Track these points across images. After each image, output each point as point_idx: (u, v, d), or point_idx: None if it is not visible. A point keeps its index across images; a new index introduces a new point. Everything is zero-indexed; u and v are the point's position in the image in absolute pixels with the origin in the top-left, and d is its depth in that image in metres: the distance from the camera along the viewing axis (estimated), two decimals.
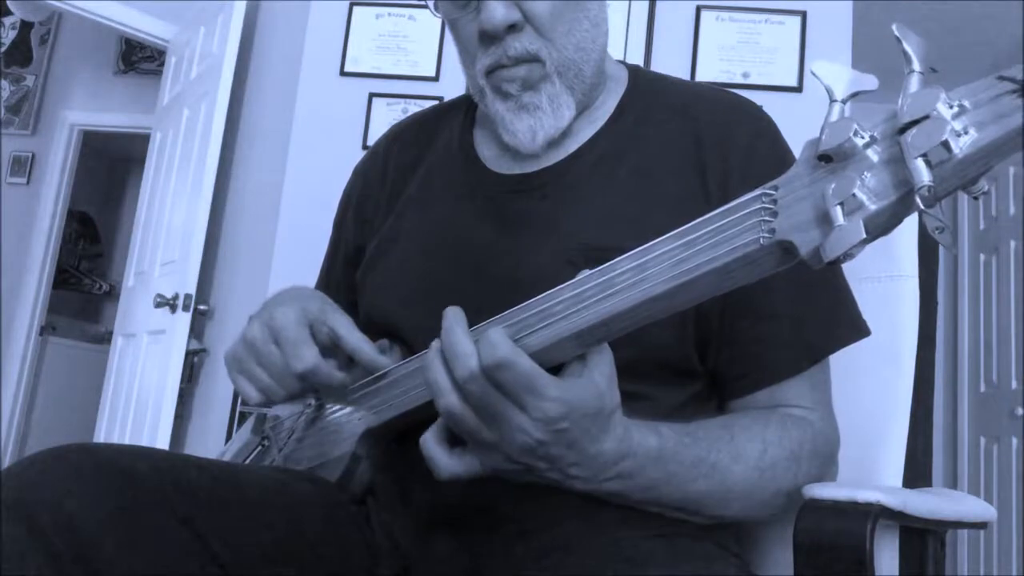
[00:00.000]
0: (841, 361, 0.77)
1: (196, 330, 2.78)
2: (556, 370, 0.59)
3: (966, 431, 3.67)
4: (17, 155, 4.41)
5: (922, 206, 0.42)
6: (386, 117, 2.59)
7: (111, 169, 5.69)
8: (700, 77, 2.49)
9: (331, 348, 0.74)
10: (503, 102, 0.78)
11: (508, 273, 0.74)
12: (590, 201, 0.76)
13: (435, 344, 0.60)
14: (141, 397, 2.78)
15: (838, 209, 0.45)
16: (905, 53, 0.44)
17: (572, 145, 0.80)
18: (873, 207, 0.44)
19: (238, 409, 2.63)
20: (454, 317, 0.59)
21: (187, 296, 2.68)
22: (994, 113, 0.41)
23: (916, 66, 0.44)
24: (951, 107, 0.42)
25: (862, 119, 0.46)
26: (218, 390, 2.77)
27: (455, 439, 0.63)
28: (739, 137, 0.77)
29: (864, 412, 0.83)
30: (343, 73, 2.67)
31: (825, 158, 0.47)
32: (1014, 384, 3.41)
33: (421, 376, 0.67)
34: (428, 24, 2.64)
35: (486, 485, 0.63)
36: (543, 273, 0.64)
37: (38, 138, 4.42)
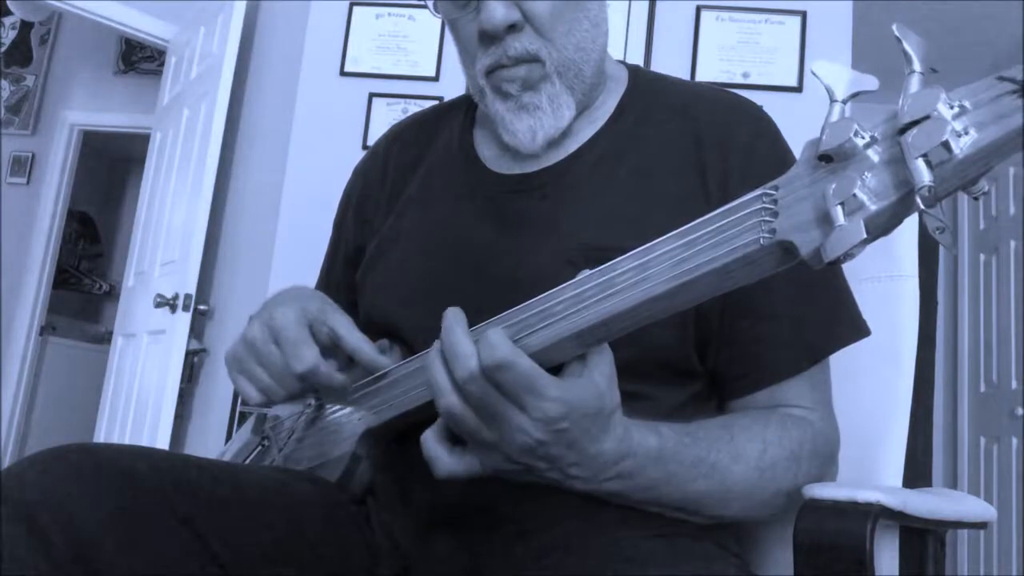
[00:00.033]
0: (841, 361, 0.77)
1: (196, 330, 2.78)
2: (556, 370, 0.59)
3: (966, 431, 3.67)
4: (17, 155, 4.41)
5: (922, 206, 0.42)
6: (386, 117, 2.59)
7: (111, 169, 5.69)
8: (700, 77, 2.49)
9: (331, 348, 0.74)
10: (503, 102, 0.78)
11: (508, 273, 0.74)
12: (590, 201, 0.76)
13: (436, 344, 0.60)
14: (141, 397, 2.78)
15: (839, 209, 0.45)
16: (905, 53, 0.44)
17: (572, 145, 0.80)
18: (874, 207, 0.44)
19: (238, 409, 2.63)
20: (454, 317, 0.59)
21: (187, 296, 2.68)
22: (994, 113, 0.41)
23: (916, 66, 0.44)
24: (951, 107, 0.42)
25: (862, 119, 0.46)
26: (218, 390, 2.77)
27: (455, 439, 0.63)
28: (739, 137, 0.77)
29: (864, 412, 0.83)
30: (343, 73, 2.68)
31: (825, 158, 0.47)
32: (1014, 384, 3.41)
33: (421, 376, 0.67)
34: (428, 24, 2.64)
35: (486, 485, 0.63)
36: (543, 273, 0.64)
37: (38, 138, 4.42)
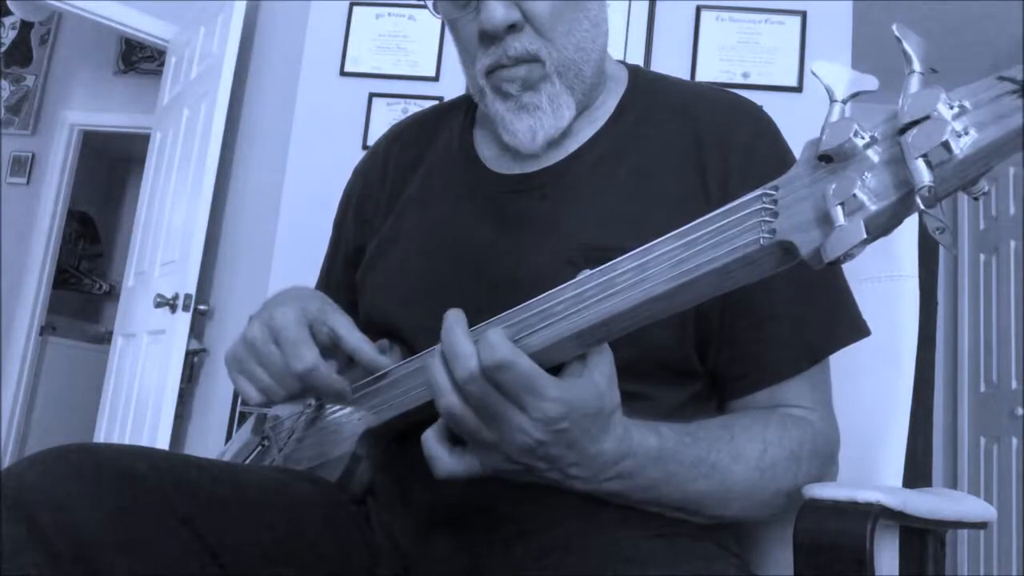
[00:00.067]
0: (841, 361, 0.77)
1: (196, 330, 2.78)
2: (556, 370, 0.59)
3: (966, 431, 3.67)
4: (17, 155, 4.41)
5: (922, 206, 0.42)
6: (386, 117, 2.59)
7: (111, 169, 5.69)
8: (700, 77, 2.49)
9: (331, 348, 0.74)
10: (503, 102, 0.78)
11: (508, 273, 0.74)
12: (590, 201, 0.76)
13: (438, 345, 0.60)
14: (141, 397, 2.78)
15: (839, 209, 0.45)
16: (905, 53, 0.44)
17: (572, 145, 0.80)
18: (874, 207, 0.44)
19: (238, 409, 2.63)
20: (454, 318, 0.59)
21: (187, 296, 2.68)
22: (994, 113, 0.41)
23: (916, 66, 0.44)
24: (951, 107, 0.42)
25: (862, 119, 0.46)
26: (218, 390, 2.77)
27: (456, 439, 0.63)
28: (739, 137, 0.77)
29: (864, 412, 0.83)
30: (343, 73, 2.68)
31: (825, 158, 0.47)
32: (1014, 384, 3.41)
33: (421, 376, 0.68)
34: (428, 24, 2.64)
35: (486, 485, 0.63)
36: (543, 273, 0.64)
37: (38, 138, 4.42)
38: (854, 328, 0.76)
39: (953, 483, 3.67)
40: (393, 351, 0.76)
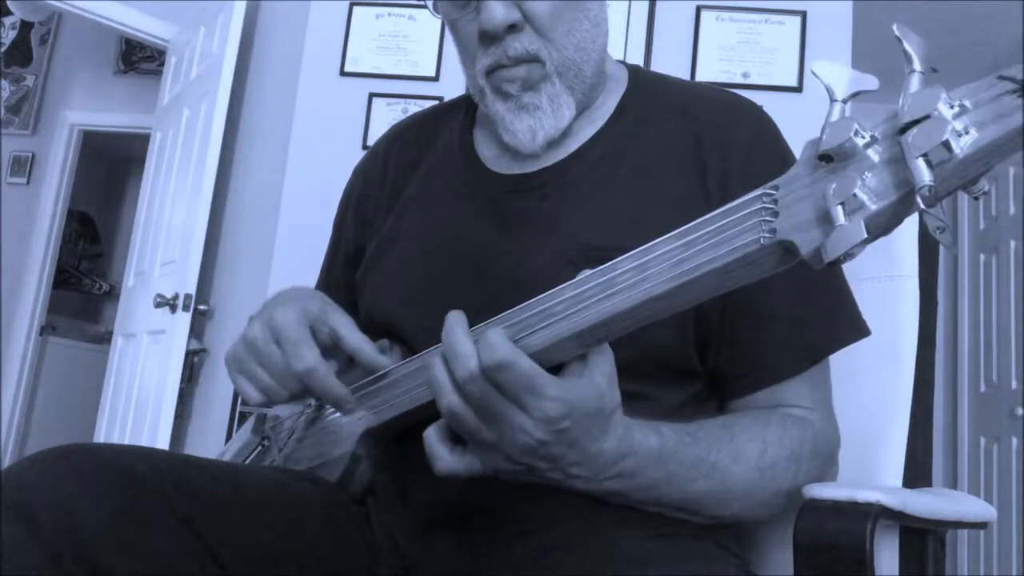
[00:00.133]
0: (841, 361, 0.77)
1: (196, 330, 2.78)
2: (557, 369, 0.59)
3: (966, 431, 3.67)
4: (17, 155, 4.41)
5: (923, 206, 0.42)
6: (386, 117, 2.59)
7: (111, 169, 5.69)
8: (700, 77, 2.49)
9: (332, 348, 0.74)
10: (503, 102, 0.78)
11: (508, 273, 0.74)
12: (590, 201, 0.76)
13: (439, 345, 0.60)
14: (141, 397, 2.78)
15: (839, 209, 0.45)
16: (905, 53, 0.44)
17: (572, 145, 0.80)
18: (874, 207, 0.44)
19: (238, 409, 2.63)
20: (455, 318, 0.59)
21: (187, 296, 2.68)
22: (995, 113, 0.41)
23: (917, 66, 0.44)
24: (952, 107, 0.42)
25: (863, 119, 0.46)
26: (218, 390, 2.77)
27: (457, 438, 0.63)
28: (739, 137, 0.77)
29: (864, 412, 0.83)
30: (343, 73, 2.67)
31: (826, 158, 0.47)
32: (1014, 384, 3.41)
33: (421, 376, 0.68)
34: (428, 24, 2.64)
35: (486, 485, 0.63)
36: (543, 273, 0.64)
37: (38, 138, 4.42)
38: (854, 328, 0.76)
39: (953, 483, 3.67)
40: (393, 351, 0.76)
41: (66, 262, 4.96)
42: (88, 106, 4.37)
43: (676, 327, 0.71)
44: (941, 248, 0.84)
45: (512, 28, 0.75)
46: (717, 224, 0.52)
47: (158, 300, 2.72)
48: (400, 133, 0.96)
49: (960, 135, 0.41)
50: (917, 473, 0.84)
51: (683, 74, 2.50)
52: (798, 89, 2.45)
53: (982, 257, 3.76)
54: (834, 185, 0.45)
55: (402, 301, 0.80)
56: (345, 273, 0.92)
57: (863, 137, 0.46)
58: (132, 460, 0.62)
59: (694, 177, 0.76)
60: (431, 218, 0.83)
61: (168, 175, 3.05)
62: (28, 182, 4.37)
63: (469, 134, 0.88)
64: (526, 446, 0.58)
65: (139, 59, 4.38)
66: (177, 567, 0.60)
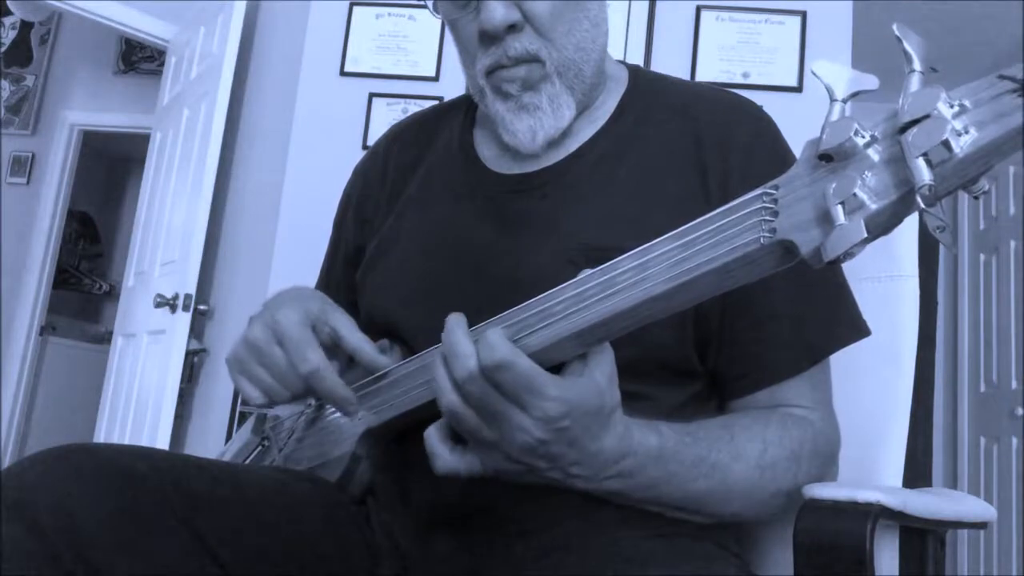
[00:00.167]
0: (841, 361, 0.77)
1: (196, 330, 2.78)
2: (557, 369, 0.59)
3: (966, 431, 3.67)
4: (17, 155, 4.41)
5: (923, 205, 0.42)
6: (386, 117, 2.59)
7: (111, 169, 5.69)
8: (700, 77, 2.49)
9: (332, 348, 0.74)
10: (503, 102, 0.78)
11: (508, 273, 0.74)
12: (590, 201, 0.76)
13: (440, 345, 0.60)
14: (141, 397, 2.78)
15: (839, 208, 0.45)
16: (905, 53, 0.44)
17: (572, 145, 0.80)
18: (874, 206, 0.44)
19: (238, 409, 2.63)
20: (456, 320, 0.59)
21: (187, 296, 2.68)
22: (995, 112, 0.41)
23: (916, 66, 0.44)
24: (952, 106, 0.42)
25: (863, 119, 0.46)
26: (218, 390, 2.77)
27: (458, 438, 0.63)
28: (739, 137, 0.77)
29: (864, 412, 0.83)
30: (343, 73, 2.67)
31: (826, 157, 0.47)
32: (1014, 384, 3.41)
33: (421, 376, 0.68)
34: (428, 24, 2.64)
35: (486, 485, 0.63)
36: (543, 273, 0.64)
37: (38, 138, 4.42)
38: (854, 328, 0.76)
39: (953, 483, 3.67)
40: (393, 351, 0.76)
41: (66, 262, 4.96)
42: (88, 106, 4.37)
43: (676, 327, 0.71)
44: (941, 248, 0.84)
45: (512, 28, 0.75)
46: (717, 224, 0.52)
47: (158, 300, 2.72)
48: (400, 133, 0.95)
49: (960, 134, 0.41)
50: (917, 473, 0.84)
51: (683, 74, 2.50)
52: (798, 89, 2.45)
53: (982, 257, 3.76)
54: (834, 184, 0.45)
55: (402, 301, 0.80)
56: (345, 273, 0.92)
57: (863, 137, 0.46)
58: (132, 460, 0.62)
59: (694, 177, 0.76)
60: (431, 218, 0.83)
61: (168, 175, 3.05)
62: (28, 182, 4.37)
63: (469, 134, 0.88)
64: (526, 445, 0.58)
65: (139, 59, 4.38)
66: (177, 567, 0.60)
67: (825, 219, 0.46)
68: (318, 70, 2.69)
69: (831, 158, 0.47)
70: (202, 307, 2.81)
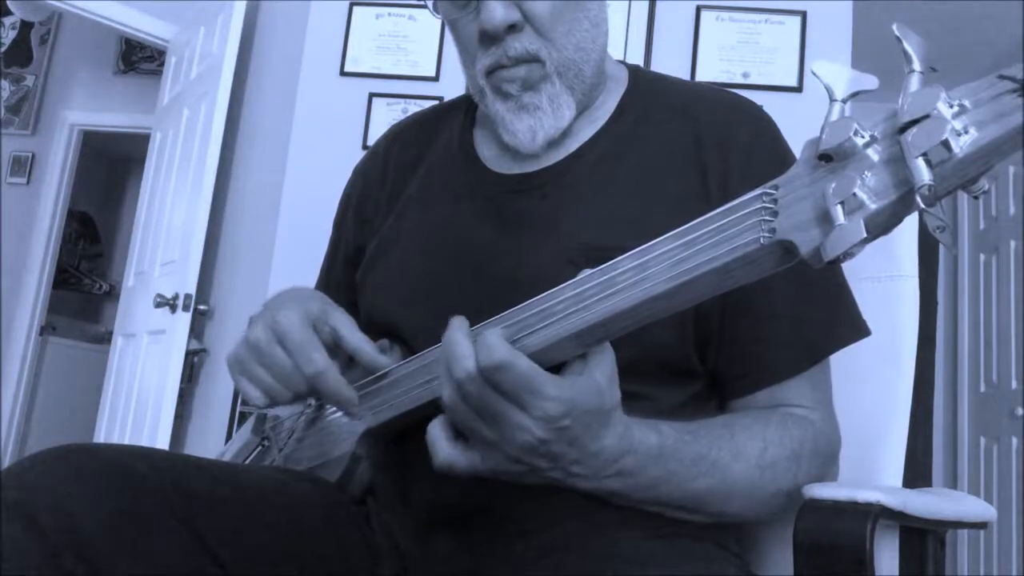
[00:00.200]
0: (841, 361, 0.77)
1: (196, 330, 2.78)
2: (558, 368, 0.59)
3: (966, 431, 3.67)
4: (17, 155, 4.41)
5: (923, 205, 0.42)
6: (386, 117, 2.59)
7: (111, 169, 5.69)
8: (700, 77, 2.49)
9: (332, 348, 0.74)
10: (503, 102, 0.78)
11: (508, 273, 0.74)
12: (590, 201, 0.76)
13: (439, 345, 0.60)
14: (141, 397, 2.78)
15: (838, 208, 0.45)
16: (905, 53, 0.44)
17: (572, 145, 0.80)
18: (873, 206, 0.44)
19: (238, 409, 2.63)
20: (457, 321, 0.60)
21: (187, 296, 2.68)
22: (994, 112, 0.41)
23: (916, 66, 0.44)
24: (951, 106, 0.42)
25: (862, 119, 0.46)
26: (218, 390, 2.77)
27: (461, 435, 0.63)
28: (739, 137, 0.77)
29: (864, 412, 0.83)
30: (343, 73, 2.68)
31: (825, 157, 0.47)
32: (1014, 384, 3.41)
33: (421, 376, 0.68)
34: (428, 24, 2.64)
35: (486, 485, 0.63)
36: (543, 273, 0.64)
37: (38, 138, 4.42)
38: (854, 328, 0.76)
39: (953, 483, 3.67)
40: (393, 351, 0.76)
41: (66, 262, 4.96)
42: (88, 106, 4.37)
43: (676, 327, 0.71)
44: (941, 248, 0.84)
45: (512, 28, 0.75)
46: (717, 224, 0.52)
47: (158, 300, 2.72)
48: (400, 133, 0.96)
49: (960, 134, 0.41)
50: (917, 473, 0.84)
51: (683, 74, 2.50)
52: (798, 89, 2.45)
53: (982, 257, 3.76)
54: (834, 184, 0.45)
55: (402, 301, 0.80)
56: (345, 273, 0.92)
57: (863, 137, 0.46)
58: (132, 460, 0.62)
59: (694, 177, 0.76)
60: (431, 218, 0.83)
61: (168, 175, 3.05)
62: (28, 182, 4.37)
63: (469, 134, 0.88)
64: (526, 444, 0.58)
65: (139, 59, 4.38)
66: (177, 567, 0.60)
67: (825, 219, 0.46)
68: (318, 70, 2.69)
69: (831, 158, 0.47)
70: (202, 307, 2.81)
